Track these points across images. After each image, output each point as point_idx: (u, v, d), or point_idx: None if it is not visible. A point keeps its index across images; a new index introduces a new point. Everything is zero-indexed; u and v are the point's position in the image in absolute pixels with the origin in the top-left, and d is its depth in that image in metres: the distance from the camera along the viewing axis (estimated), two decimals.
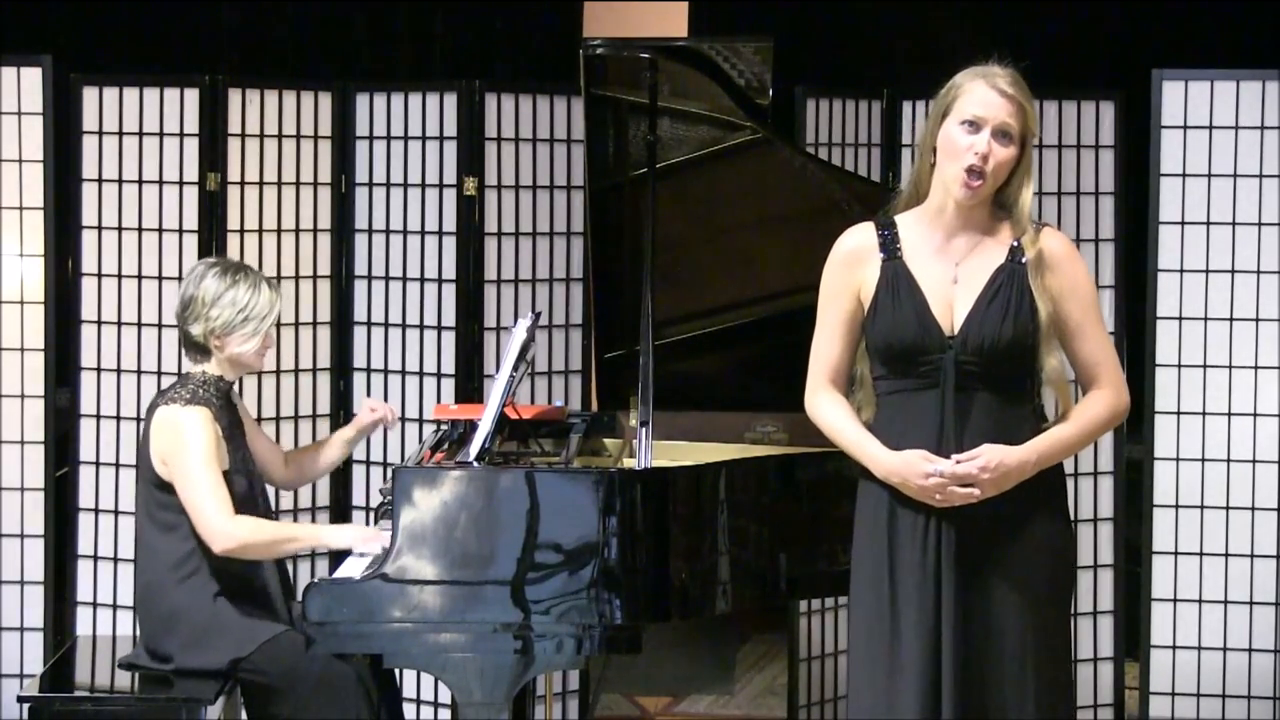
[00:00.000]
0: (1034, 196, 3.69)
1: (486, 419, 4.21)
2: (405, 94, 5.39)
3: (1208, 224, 5.22)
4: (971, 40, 6.85)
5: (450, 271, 5.34)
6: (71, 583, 5.32)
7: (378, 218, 5.42)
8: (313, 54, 7.09)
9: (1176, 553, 5.26)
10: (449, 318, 5.35)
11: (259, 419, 5.26)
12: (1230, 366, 5.22)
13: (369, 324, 5.45)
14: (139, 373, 5.26)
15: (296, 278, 5.37)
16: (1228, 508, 5.22)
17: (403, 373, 5.41)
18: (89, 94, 5.27)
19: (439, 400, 5.31)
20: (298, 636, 4.20)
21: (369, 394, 5.42)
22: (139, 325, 5.27)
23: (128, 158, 5.27)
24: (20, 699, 4.36)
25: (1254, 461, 5.21)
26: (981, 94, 3.59)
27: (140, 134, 5.26)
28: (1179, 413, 5.24)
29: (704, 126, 4.60)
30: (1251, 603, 5.22)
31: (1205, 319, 5.23)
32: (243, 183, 5.28)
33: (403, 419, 5.39)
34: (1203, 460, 5.23)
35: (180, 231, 5.24)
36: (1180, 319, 5.23)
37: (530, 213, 5.41)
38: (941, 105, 3.63)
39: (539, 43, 7.14)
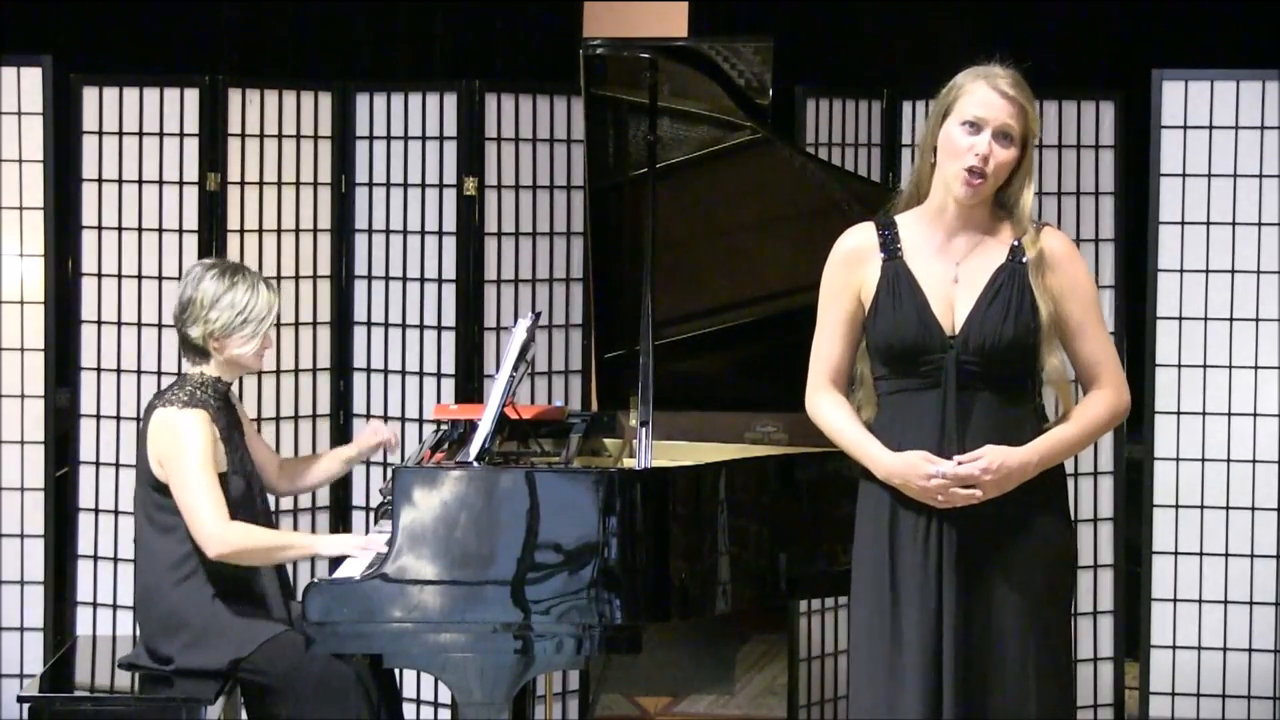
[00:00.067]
0: (1034, 197, 3.69)
1: (486, 419, 4.20)
2: (405, 94, 5.39)
3: (1208, 224, 5.22)
4: (971, 40, 6.85)
5: (450, 271, 5.34)
6: (71, 583, 5.32)
7: (378, 218, 5.42)
8: (313, 54, 7.09)
9: (1176, 553, 5.26)
10: (449, 318, 5.35)
11: (259, 419, 5.26)
12: (1230, 366, 5.22)
13: (369, 324, 5.45)
14: (139, 373, 5.26)
15: (296, 278, 5.37)
16: (1228, 508, 5.22)
17: (403, 373, 5.41)
18: (89, 94, 5.27)
19: (439, 400, 5.31)
20: (297, 636, 4.20)
21: (369, 394, 5.42)
22: (139, 325, 5.27)
23: (128, 158, 5.27)
24: (20, 699, 4.36)
25: (1254, 461, 5.21)
26: (983, 95, 3.59)
27: (140, 134, 5.26)
28: (1179, 413, 5.24)
29: (704, 126, 4.60)
30: (1251, 603, 5.22)
31: (1205, 319, 5.23)
32: (243, 183, 5.28)
33: (403, 419, 5.40)
34: (1203, 460, 5.23)
35: (180, 231, 5.24)
36: (1180, 319, 5.23)
37: (530, 213, 5.40)
38: (942, 105, 3.63)
39: (539, 43, 7.14)
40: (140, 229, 5.27)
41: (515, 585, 3.99)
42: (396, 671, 4.60)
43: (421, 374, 5.39)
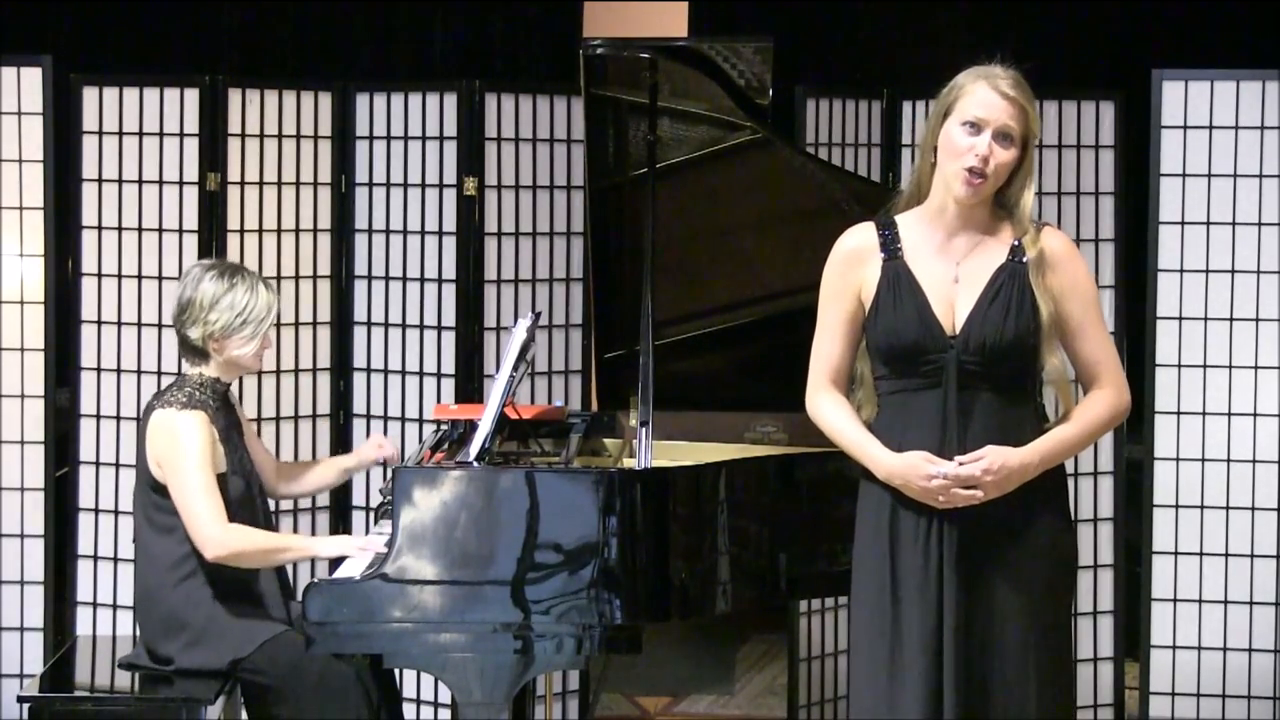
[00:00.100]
0: (1035, 197, 3.69)
1: (486, 419, 4.20)
2: (405, 94, 5.39)
3: (1208, 224, 5.22)
4: (971, 40, 6.85)
5: (450, 271, 5.34)
6: (71, 583, 5.32)
7: (378, 218, 5.42)
8: (313, 54, 7.09)
9: (1176, 553, 5.26)
10: (449, 318, 5.35)
11: (259, 419, 5.26)
12: (1230, 366, 5.22)
13: (369, 324, 5.45)
14: (139, 373, 5.26)
15: (296, 278, 5.37)
16: (1228, 508, 5.22)
17: (403, 373, 5.41)
18: (89, 94, 5.27)
19: (439, 400, 5.31)
20: (297, 637, 4.20)
21: (369, 394, 5.42)
22: (139, 325, 5.27)
23: (128, 158, 5.27)
24: (20, 699, 4.36)
25: (1254, 461, 5.21)
26: (983, 95, 3.59)
27: (140, 134, 5.26)
28: (1179, 413, 5.24)
29: (704, 126, 4.60)
30: (1251, 603, 5.22)
31: (1205, 319, 5.23)
32: (243, 183, 5.28)
33: (403, 419, 5.40)
34: (1203, 460, 5.23)
35: (180, 231, 5.24)
36: (1180, 319, 5.23)
37: (530, 213, 5.40)
38: (943, 105, 3.63)
39: (539, 43, 7.14)
40: (140, 229, 5.27)
41: (515, 585, 3.99)
42: (396, 671, 4.60)
43: (421, 374, 5.39)
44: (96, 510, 5.29)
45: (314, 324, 5.41)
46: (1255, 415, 5.21)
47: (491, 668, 4.00)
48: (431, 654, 4.01)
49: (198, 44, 7.06)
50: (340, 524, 5.41)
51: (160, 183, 5.25)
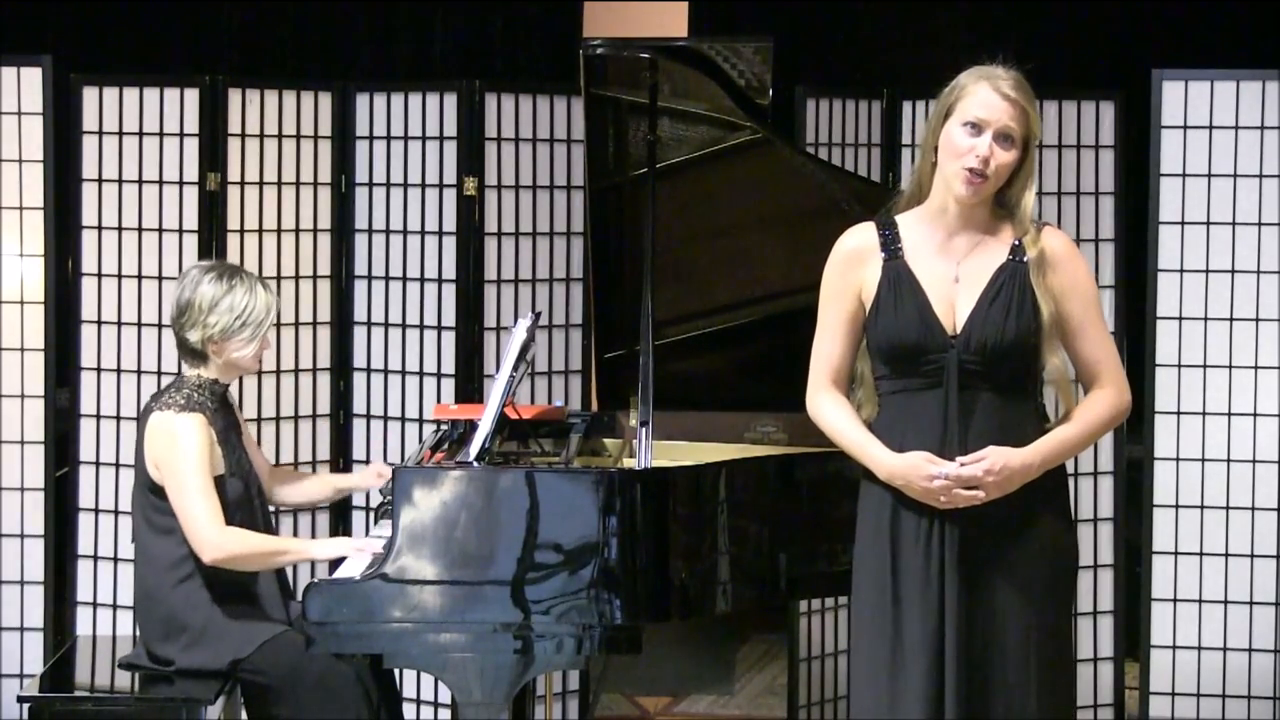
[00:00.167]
0: (1035, 197, 3.69)
1: (486, 419, 4.20)
2: (405, 94, 5.39)
3: (1208, 224, 5.22)
4: (972, 40, 6.85)
5: (450, 271, 5.34)
6: (71, 583, 5.32)
7: (378, 218, 5.42)
8: (313, 54, 7.09)
9: (1176, 553, 5.26)
10: (449, 318, 5.35)
11: (259, 419, 5.26)
12: (1230, 366, 5.22)
13: (369, 324, 5.45)
14: (139, 373, 5.26)
15: (296, 278, 5.37)
16: (1228, 508, 5.22)
17: (403, 373, 5.41)
18: (89, 94, 5.27)
19: (439, 400, 5.31)
20: (297, 637, 4.20)
21: (369, 394, 5.42)
22: (139, 325, 5.27)
23: (128, 158, 5.27)
24: (20, 699, 4.36)
25: (1254, 461, 5.21)
26: (984, 96, 3.59)
27: (140, 134, 5.26)
28: (1179, 413, 5.24)
29: (704, 126, 4.60)
30: (1251, 603, 5.22)
31: (1205, 319, 5.23)
32: (243, 183, 5.28)
33: (403, 419, 5.40)
34: (1203, 460, 5.23)
35: (180, 231, 5.24)
36: (1180, 319, 5.23)
37: (530, 213, 5.41)
38: (944, 105, 3.63)
39: (539, 43, 7.14)
40: (140, 229, 5.27)
41: (515, 585, 3.99)
42: (396, 671, 4.60)
43: (421, 374, 5.39)
44: (96, 510, 5.29)
45: (314, 324, 5.41)
46: (1255, 415, 5.21)
47: (491, 668, 4.00)
48: (431, 654, 4.01)
49: (198, 44, 7.06)
50: (340, 524, 5.41)
51: (160, 183, 5.25)
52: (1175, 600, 5.26)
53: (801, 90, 5.37)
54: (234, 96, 5.25)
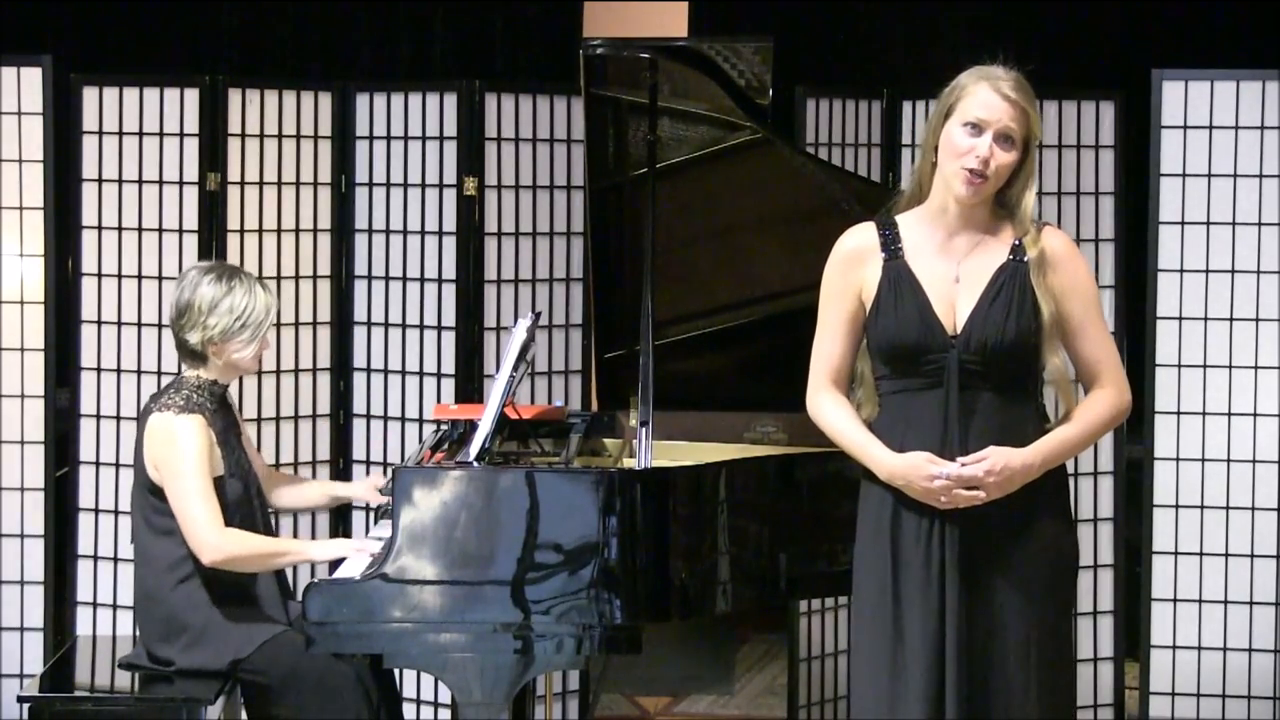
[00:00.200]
0: (1035, 197, 3.69)
1: (486, 419, 4.20)
2: (405, 94, 5.39)
3: (1208, 224, 5.22)
4: (972, 40, 6.85)
5: (450, 271, 5.34)
6: (71, 583, 5.32)
7: (378, 218, 5.42)
8: (313, 54, 7.09)
9: (1176, 553, 5.25)
10: (449, 318, 5.35)
11: (259, 419, 5.26)
12: (1230, 366, 5.21)
13: (369, 324, 5.45)
14: (139, 373, 5.26)
15: (296, 278, 5.37)
16: (1228, 508, 5.22)
17: (403, 373, 5.41)
18: (89, 94, 5.27)
19: (439, 400, 5.31)
20: (297, 637, 4.20)
21: (369, 394, 5.42)
22: (139, 325, 5.27)
23: (128, 158, 5.26)
24: (20, 699, 4.36)
25: (1254, 461, 5.21)
26: (984, 97, 3.59)
27: (140, 134, 5.26)
28: (1179, 413, 5.24)
29: (704, 126, 4.60)
30: (1251, 603, 5.22)
31: (1205, 319, 5.22)
32: (243, 183, 5.28)
33: (403, 419, 5.40)
34: (1203, 460, 5.23)
35: (180, 231, 5.24)
36: (1180, 319, 5.23)
37: (530, 213, 5.40)
38: (944, 105, 3.62)
39: (539, 43, 7.14)
40: (140, 229, 5.27)
41: (515, 585, 3.99)
42: (396, 671, 4.60)
43: (421, 374, 5.39)
44: (96, 510, 5.29)
45: (314, 324, 5.41)
46: (1255, 415, 5.21)
47: (491, 668, 4.00)
48: (431, 654, 4.01)
49: (198, 44, 7.06)
50: (340, 525, 5.41)
51: (160, 183, 5.25)
52: (1175, 600, 5.26)
53: (801, 90, 5.37)
54: (234, 96, 5.25)
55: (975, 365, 3.62)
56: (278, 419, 5.33)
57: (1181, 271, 5.23)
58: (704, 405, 4.80)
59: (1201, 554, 5.24)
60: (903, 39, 7.12)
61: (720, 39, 4.60)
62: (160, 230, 5.25)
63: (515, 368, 4.35)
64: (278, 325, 5.21)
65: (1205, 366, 5.23)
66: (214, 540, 4.22)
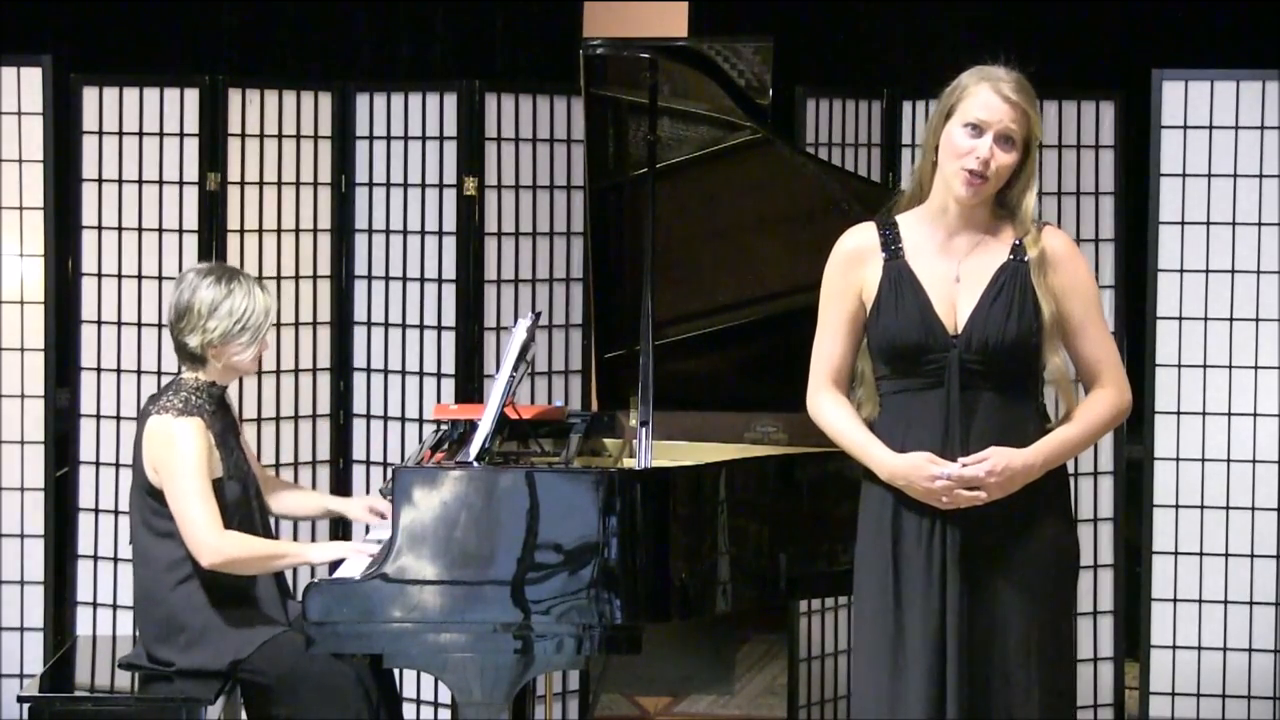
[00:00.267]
0: (1036, 198, 3.69)
1: (486, 419, 4.20)
2: (405, 94, 5.39)
3: (1208, 224, 5.22)
4: (972, 40, 6.85)
5: (450, 271, 5.34)
6: (71, 583, 5.32)
7: (378, 218, 5.42)
8: (313, 54, 7.09)
9: (1176, 553, 5.25)
10: (449, 318, 5.35)
11: (259, 419, 5.26)
12: (1230, 366, 5.21)
13: (369, 324, 5.45)
14: (139, 373, 5.26)
15: (296, 278, 5.37)
16: (1228, 508, 5.22)
17: (403, 373, 5.41)
18: (89, 94, 5.27)
19: (439, 400, 5.31)
20: (297, 637, 4.20)
21: (369, 394, 5.42)
22: (139, 325, 5.27)
23: (128, 158, 5.26)
24: (20, 699, 4.36)
25: (1254, 461, 5.21)
26: (985, 98, 3.59)
27: (140, 134, 5.26)
28: (1179, 413, 5.24)
29: (704, 126, 4.60)
30: (1251, 603, 5.22)
31: (1205, 319, 5.23)
32: (243, 183, 5.27)
33: (403, 419, 5.40)
34: (1203, 460, 5.23)
35: (180, 231, 5.24)
36: (1180, 319, 5.23)
37: (530, 213, 5.40)
38: (945, 105, 3.62)
39: (539, 43, 7.14)
40: (140, 229, 5.27)
41: (515, 585, 3.99)
42: (396, 671, 4.60)
43: (421, 374, 5.39)
44: (96, 510, 5.29)
45: (314, 324, 5.41)
46: (1255, 415, 5.21)
47: (491, 668, 4.00)
48: (431, 654, 4.01)
49: (198, 44, 7.06)
50: (340, 527, 5.40)
51: (160, 183, 5.25)
52: (1175, 600, 5.26)
53: (801, 90, 5.37)
54: (234, 96, 5.25)
55: (976, 365, 3.62)
56: (278, 419, 5.33)
57: (1181, 271, 5.23)
58: (704, 405, 4.80)
59: (1201, 554, 5.24)
60: (903, 39, 7.12)
61: (720, 39, 4.60)
62: (160, 230, 5.25)
63: (515, 368, 4.35)
64: (278, 325, 5.21)
65: (1205, 366, 5.23)
66: (213, 542, 4.22)
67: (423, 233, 5.37)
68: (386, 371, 5.43)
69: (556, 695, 5.44)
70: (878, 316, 3.67)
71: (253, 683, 4.30)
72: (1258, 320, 5.20)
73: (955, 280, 3.66)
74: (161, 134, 5.25)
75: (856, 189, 4.56)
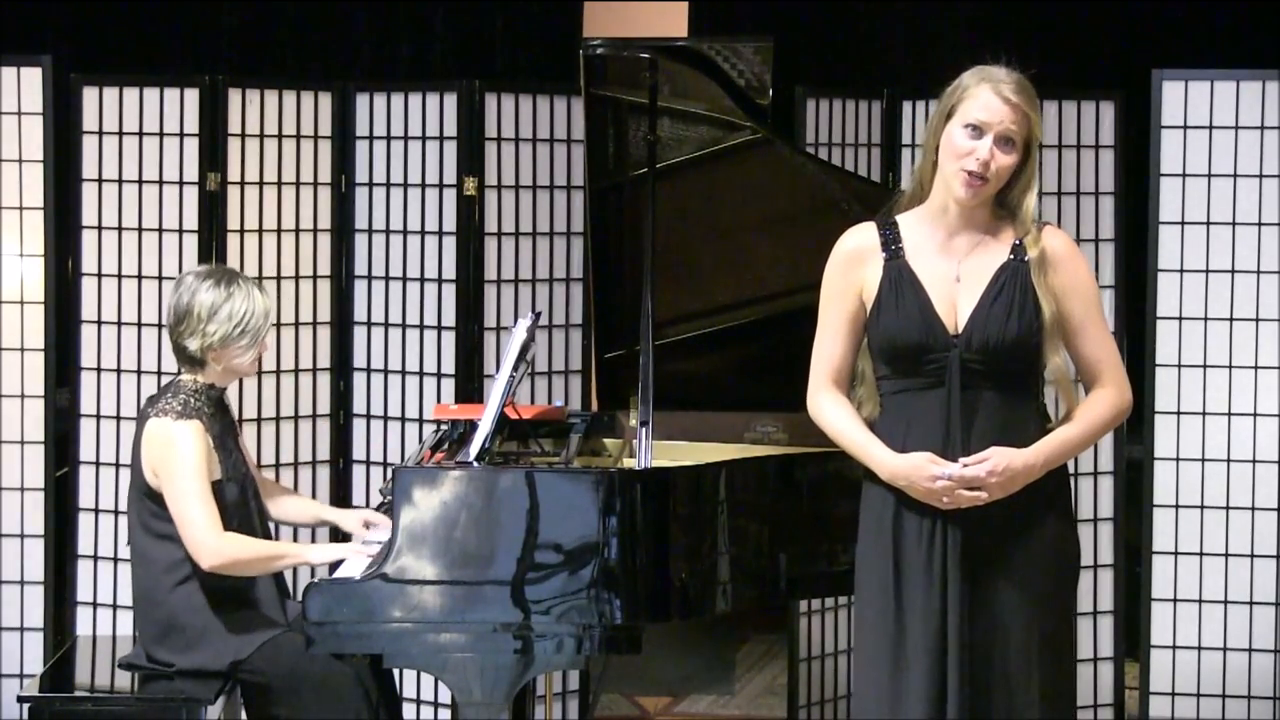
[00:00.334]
0: (1036, 199, 3.69)
1: (486, 419, 4.20)
2: (405, 94, 5.39)
3: (1208, 224, 5.22)
4: (972, 40, 6.85)
5: (450, 271, 5.34)
6: (71, 583, 5.32)
7: (378, 218, 5.42)
8: (313, 54, 7.09)
9: (1176, 553, 5.25)
10: (449, 318, 5.35)
11: (259, 419, 5.26)
12: (1230, 366, 5.21)
13: (369, 324, 5.45)
14: (139, 373, 5.26)
15: (296, 278, 5.37)
16: (1228, 508, 5.22)
17: (403, 373, 5.41)
18: (89, 94, 5.27)
19: (439, 400, 5.31)
20: (297, 637, 4.20)
21: (369, 394, 5.42)
22: (139, 325, 5.27)
23: (128, 158, 5.27)
24: (20, 699, 4.36)
25: (1254, 461, 5.21)
26: (986, 99, 3.58)
27: (140, 134, 5.26)
28: (1179, 413, 5.24)
29: (704, 126, 4.60)
30: (1251, 603, 5.22)
31: (1205, 319, 5.23)
32: (243, 183, 5.28)
33: (403, 419, 5.40)
34: (1203, 460, 5.23)
35: (180, 231, 5.24)
36: (1180, 319, 5.23)
37: (530, 213, 5.41)
38: (946, 105, 3.62)
39: (539, 43, 7.14)
40: (140, 229, 5.27)
41: (515, 585, 3.99)
42: (396, 671, 4.60)
43: (421, 374, 5.39)
44: (96, 510, 5.29)
45: (314, 324, 5.41)
46: (1255, 415, 5.21)
47: (491, 668, 4.00)
48: (431, 654, 4.01)
49: (198, 44, 7.06)
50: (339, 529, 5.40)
51: (160, 183, 5.25)
52: (1175, 600, 5.26)
53: (801, 90, 5.37)
54: (234, 96, 5.25)
55: (977, 365, 3.62)
56: (278, 419, 5.33)
57: (1181, 271, 5.23)
58: (704, 405, 4.80)
59: (1201, 554, 5.24)
60: (903, 39, 7.12)
61: (720, 39, 4.60)
62: (160, 230, 5.25)
63: (515, 368, 4.35)
64: (278, 325, 5.21)
65: (1205, 366, 5.23)
66: (213, 544, 4.22)
67: (423, 233, 5.37)
68: (386, 371, 5.43)
69: (556, 695, 5.44)
70: (878, 316, 3.67)
71: (253, 683, 4.30)
72: (1258, 320, 5.20)
73: (955, 280, 3.66)
74: (161, 134, 5.25)
75: (856, 189, 4.56)
